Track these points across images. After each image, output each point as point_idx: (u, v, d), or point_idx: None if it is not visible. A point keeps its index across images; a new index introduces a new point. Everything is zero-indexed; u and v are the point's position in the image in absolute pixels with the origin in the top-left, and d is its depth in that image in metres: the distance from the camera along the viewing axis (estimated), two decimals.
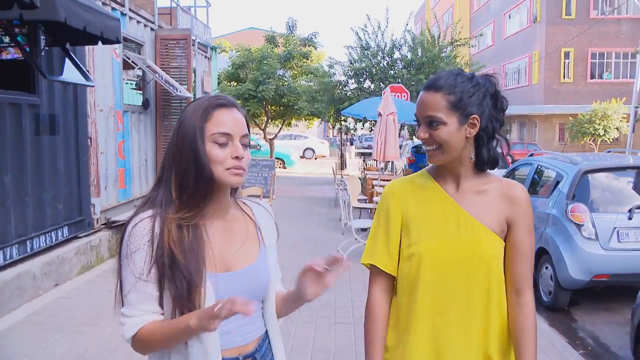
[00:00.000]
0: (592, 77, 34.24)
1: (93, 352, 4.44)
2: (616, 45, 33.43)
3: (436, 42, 17.35)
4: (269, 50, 22.34)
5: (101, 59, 7.56)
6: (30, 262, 5.72)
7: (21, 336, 4.74)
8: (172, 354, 1.48)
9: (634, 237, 6.03)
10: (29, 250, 5.78)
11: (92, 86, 6.42)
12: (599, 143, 30.11)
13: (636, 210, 6.04)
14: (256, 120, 23.50)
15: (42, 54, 5.88)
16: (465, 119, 1.73)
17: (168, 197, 1.49)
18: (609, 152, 9.49)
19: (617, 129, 29.79)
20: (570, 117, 31.14)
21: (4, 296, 5.15)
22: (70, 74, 5.88)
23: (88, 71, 6.37)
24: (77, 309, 5.45)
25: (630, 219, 6.01)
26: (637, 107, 20.17)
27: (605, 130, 29.90)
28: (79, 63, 5.92)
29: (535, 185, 7.42)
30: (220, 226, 1.56)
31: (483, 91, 1.75)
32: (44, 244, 6.07)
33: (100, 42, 5.57)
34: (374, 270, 1.86)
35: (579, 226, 6.00)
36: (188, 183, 1.46)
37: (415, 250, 1.77)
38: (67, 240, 6.58)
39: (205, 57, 13.66)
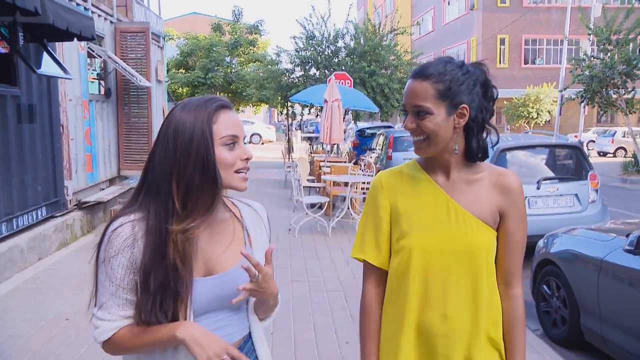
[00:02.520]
0: (526, 62, 36.13)
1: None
2: (547, 32, 35.37)
3: (377, 31, 18.37)
4: (217, 38, 22.90)
5: (69, 51, 8.14)
6: (17, 238, 6.37)
7: (21, 299, 5.45)
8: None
9: (541, 204, 7.18)
10: (15, 227, 6.42)
11: (71, 78, 7.06)
12: (532, 125, 31.98)
13: (543, 182, 7.20)
14: None
15: (21, 49, 6.48)
16: (454, 108, 1.67)
17: (169, 208, 1.42)
18: (526, 132, 10.72)
19: (549, 112, 31.69)
20: (505, 101, 32.88)
21: None
22: (48, 67, 6.51)
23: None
24: (64, 277, 6.16)
25: (538, 189, 7.16)
26: (561, 91, 21.69)
27: (538, 113, 31.78)
28: (57, 58, 6.56)
29: None
30: (208, 228, 1.51)
31: (473, 79, 1.69)
32: (27, 222, 6.71)
33: (76, 39, 6.25)
34: (366, 265, 1.84)
35: None
36: (194, 189, 1.41)
37: (405, 244, 1.73)
38: (45, 219, 7.23)
39: (158, 46, 14.17)
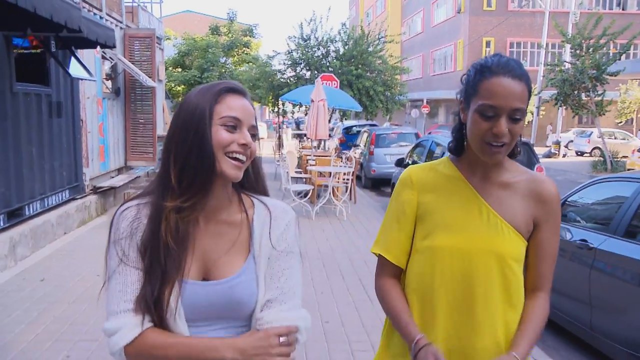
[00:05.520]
0: None
1: None
2: (531, 35, 36.61)
3: (366, 38, 19.64)
4: (213, 39, 24.10)
5: (87, 55, 9.30)
6: (49, 214, 7.55)
7: (57, 262, 6.63)
8: None
9: None
10: (46, 205, 7.60)
11: (95, 80, 8.23)
12: None
13: None
14: None
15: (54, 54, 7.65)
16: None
17: (166, 183, 1.37)
18: None
19: (531, 113, 33.04)
20: None
21: (36, 237, 7.00)
22: (76, 70, 7.68)
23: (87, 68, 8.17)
24: (89, 247, 7.34)
25: None
26: (537, 94, 23.02)
27: None
28: (83, 62, 7.73)
29: (430, 156, 9.78)
30: (212, 227, 1.44)
31: None
32: (55, 202, 7.89)
33: (99, 47, 7.43)
34: (383, 261, 1.76)
35: None
36: (189, 166, 1.35)
37: (431, 244, 1.65)
38: (68, 201, 8.40)
39: (160, 48, 15.35)
